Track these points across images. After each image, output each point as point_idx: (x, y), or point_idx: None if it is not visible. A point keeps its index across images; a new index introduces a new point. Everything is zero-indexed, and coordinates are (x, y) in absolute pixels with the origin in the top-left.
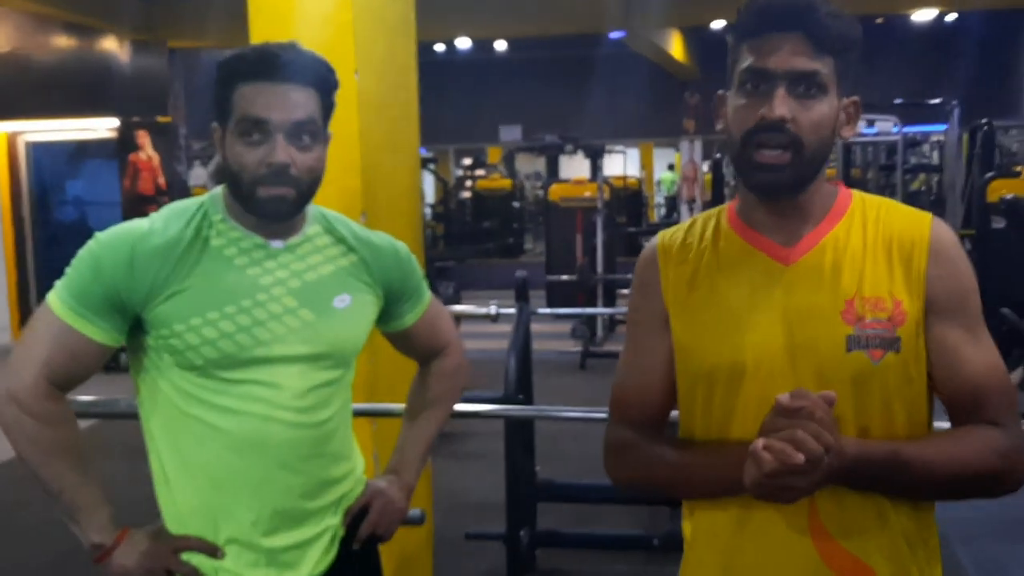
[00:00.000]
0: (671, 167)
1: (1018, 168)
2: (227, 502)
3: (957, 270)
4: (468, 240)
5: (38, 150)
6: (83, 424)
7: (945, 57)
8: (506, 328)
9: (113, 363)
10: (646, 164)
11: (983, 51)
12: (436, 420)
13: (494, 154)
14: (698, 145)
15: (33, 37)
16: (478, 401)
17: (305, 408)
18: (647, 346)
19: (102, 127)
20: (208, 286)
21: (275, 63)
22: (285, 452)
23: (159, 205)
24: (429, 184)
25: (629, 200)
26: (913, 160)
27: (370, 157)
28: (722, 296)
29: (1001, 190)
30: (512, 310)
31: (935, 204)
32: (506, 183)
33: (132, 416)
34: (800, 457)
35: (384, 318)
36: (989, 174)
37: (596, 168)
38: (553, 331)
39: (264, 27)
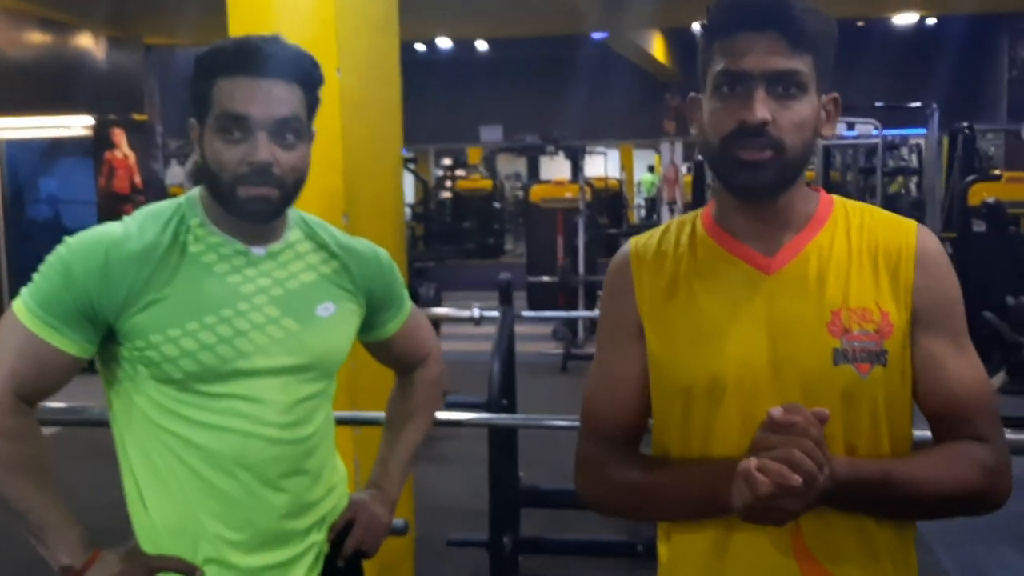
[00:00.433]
0: (651, 168)
1: (997, 171)
2: (205, 521)
3: (944, 280)
4: (448, 240)
5: (11, 148)
6: (48, 430)
7: (924, 61)
8: (488, 330)
9: (87, 365)
10: (626, 165)
11: (962, 55)
12: (418, 430)
13: (474, 154)
14: (679, 147)
15: (5, 33)
16: (461, 406)
17: (289, 424)
18: (619, 357)
19: (77, 125)
20: (187, 295)
21: (257, 56)
22: (267, 469)
23: (135, 204)
24: (409, 184)
25: (610, 201)
26: (891, 163)
27: (352, 157)
28: (700, 306)
29: (982, 193)
30: (495, 312)
31: (914, 207)
32: (486, 183)
33: (102, 424)
34: (797, 479)
35: (365, 328)
36: (970, 177)
37: (576, 169)
38: (534, 332)
39: (243, 23)
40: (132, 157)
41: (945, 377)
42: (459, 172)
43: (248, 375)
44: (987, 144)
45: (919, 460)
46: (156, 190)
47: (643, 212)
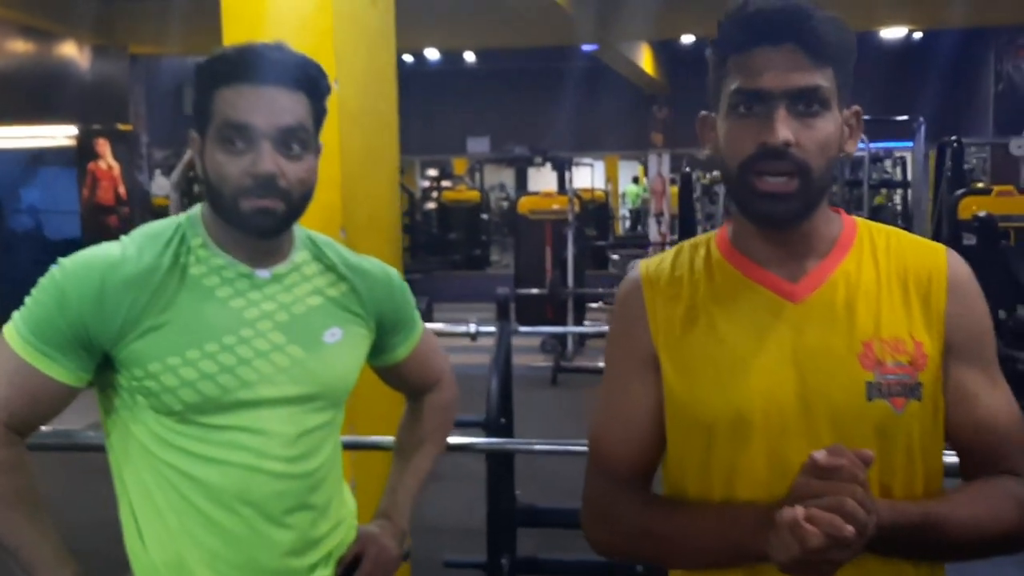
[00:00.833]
0: (635, 180)
1: (980, 184)
2: (207, 558)
3: (976, 308)
4: (434, 252)
5: None
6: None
7: (911, 74)
8: (481, 342)
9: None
10: (611, 177)
11: (948, 69)
12: (428, 458)
13: (459, 165)
14: (666, 158)
15: None
16: (459, 425)
17: (294, 457)
18: (631, 390)
19: (60, 134)
20: (187, 321)
21: (260, 63)
22: (271, 505)
23: (119, 215)
24: None
25: (596, 213)
26: (875, 176)
27: (350, 170)
28: (721, 336)
29: (972, 207)
30: (490, 328)
31: (897, 219)
32: (473, 195)
33: (93, 449)
34: (851, 530)
35: (374, 351)
36: (960, 191)
37: (563, 181)
38: (522, 344)
39: (237, 33)
40: (116, 168)
41: (978, 410)
42: (445, 183)
43: (251, 406)
44: (968, 157)
45: (956, 499)
46: (140, 201)
47: (627, 224)
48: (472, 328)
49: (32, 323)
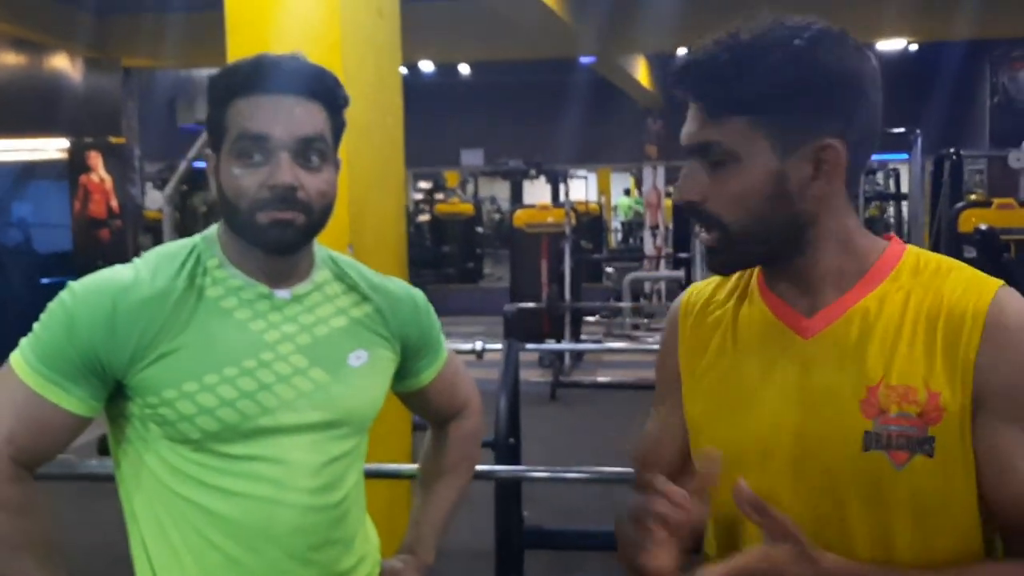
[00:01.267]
0: (627, 192)
1: (973, 196)
2: None
3: (1016, 357)
4: (427, 265)
5: None
6: None
7: (907, 87)
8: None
9: None
10: (604, 189)
11: (944, 82)
12: (454, 489)
13: (451, 178)
14: (661, 171)
15: None
16: None
17: (318, 488)
18: (660, 414)
19: (52, 147)
20: (204, 345)
21: (276, 73)
22: (295, 541)
23: (111, 229)
24: None
25: (591, 226)
26: (867, 188)
27: (357, 185)
28: (733, 367)
29: (972, 220)
30: (496, 345)
31: (888, 231)
32: (467, 208)
33: (99, 479)
34: None
35: (398, 376)
36: (960, 204)
37: (556, 194)
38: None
39: (242, 45)
40: (109, 181)
41: (1016, 481)
42: (438, 196)
43: (272, 433)
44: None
45: (953, 572)
46: (133, 215)
47: (620, 236)
48: (479, 346)
49: (40, 350)
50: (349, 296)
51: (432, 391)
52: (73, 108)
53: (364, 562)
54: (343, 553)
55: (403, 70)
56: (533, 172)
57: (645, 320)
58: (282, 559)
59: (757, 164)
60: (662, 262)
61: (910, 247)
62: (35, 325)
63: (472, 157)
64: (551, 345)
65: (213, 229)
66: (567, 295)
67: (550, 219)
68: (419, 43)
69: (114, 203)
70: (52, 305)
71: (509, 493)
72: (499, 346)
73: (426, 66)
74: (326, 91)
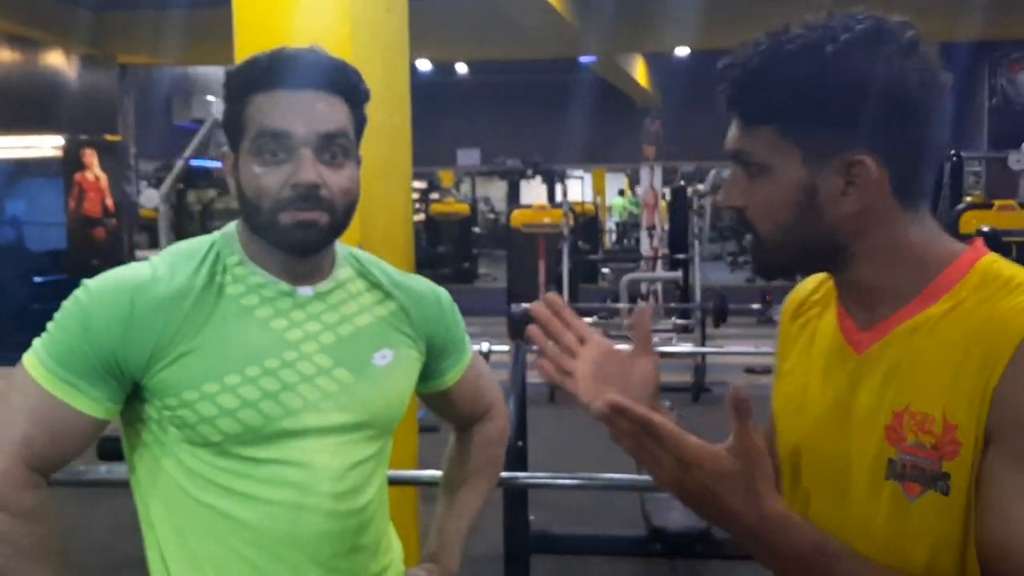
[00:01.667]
0: (621, 192)
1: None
2: None
3: None
4: (423, 265)
5: None
6: None
7: None
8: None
9: None
10: (598, 189)
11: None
12: (479, 495)
13: (446, 178)
14: (658, 171)
15: None
16: None
17: (343, 493)
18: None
19: (46, 145)
20: (225, 344)
21: (295, 67)
22: (319, 548)
23: (106, 227)
24: None
25: (586, 226)
26: None
27: (367, 184)
28: (804, 374)
29: (973, 222)
30: (502, 347)
31: None
32: (462, 207)
33: (110, 485)
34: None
35: (423, 376)
36: (961, 205)
37: (552, 194)
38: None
39: (251, 43)
40: (104, 179)
41: (996, 519)
42: (433, 195)
43: (296, 436)
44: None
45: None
46: (128, 213)
47: (614, 236)
48: (485, 347)
49: (55, 351)
50: (372, 293)
51: (456, 392)
52: (68, 105)
53: (389, 570)
54: (369, 560)
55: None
56: (531, 172)
57: None
58: (306, 566)
59: (786, 175)
60: (659, 263)
61: (988, 256)
62: (49, 324)
63: (468, 157)
64: None
65: (232, 226)
66: (566, 296)
67: (548, 219)
68: (418, 41)
69: (109, 201)
70: (67, 303)
71: (517, 498)
72: (506, 348)
73: (423, 65)
74: (348, 85)
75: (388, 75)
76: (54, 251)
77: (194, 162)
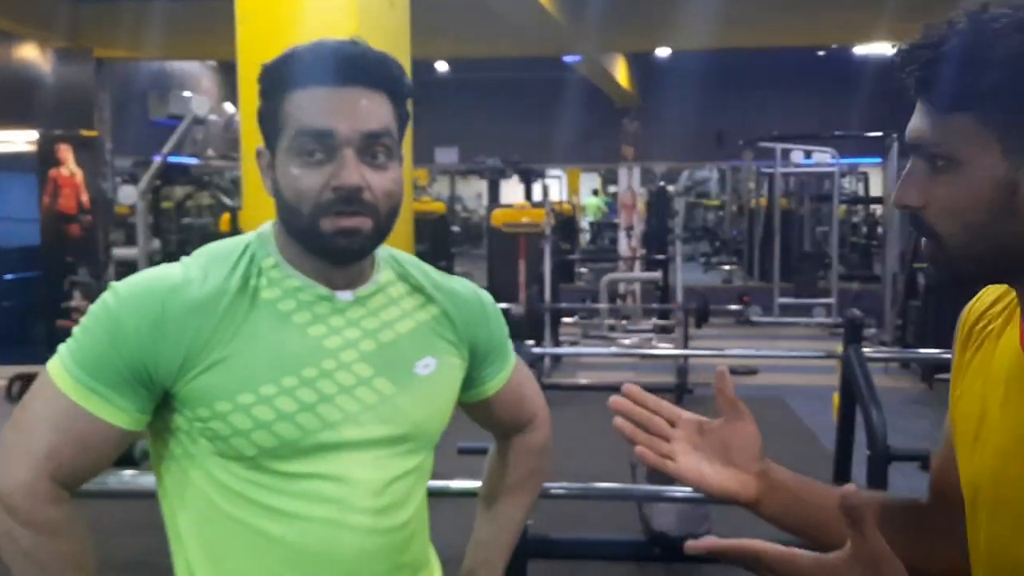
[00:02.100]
0: (595, 192)
1: None
2: None
3: None
4: None
5: None
6: None
7: (882, 91)
8: None
9: None
10: (573, 189)
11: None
12: (522, 508)
13: (422, 176)
14: (636, 172)
15: None
16: (467, 452)
17: (383, 508)
18: (946, 428)
19: (20, 140)
20: (260, 352)
21: (337, 61)
22: (359, 567)
23: (81, 224)
24: None
25: (564, 225)
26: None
27: None
28: (981, 396)
29: None
30: None
31: (854, 232)
32: (439, 206)
33: (135, 496)
34: None
35: (464, 385)
36: None
37: (529, 193)
38: None
39: (254, 37)
40: (79, 175)
41: None
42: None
43: (334, 449)
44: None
45: None
46: (104, 210)
47: (588, 236)
48: None
49: (83, 358)
50: (414, 298)
51: (498, 401)
52: (43, 99)
53: None
54: None
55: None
56: (510, 171)
57: (623, 321)
58: None
59: (982, 170)
60: (637, 263)
61: None
62: (75, 330)
63: (446, 155)
64: (568, 349)
65: (268, 226)
66: (547, 295)
67: (528, 219)
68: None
69: (84, 197)
70: (94, 308)
71: None
72: None
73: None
74: (392, 80)
75: None
76: (28, 248)
77: (173, 159)
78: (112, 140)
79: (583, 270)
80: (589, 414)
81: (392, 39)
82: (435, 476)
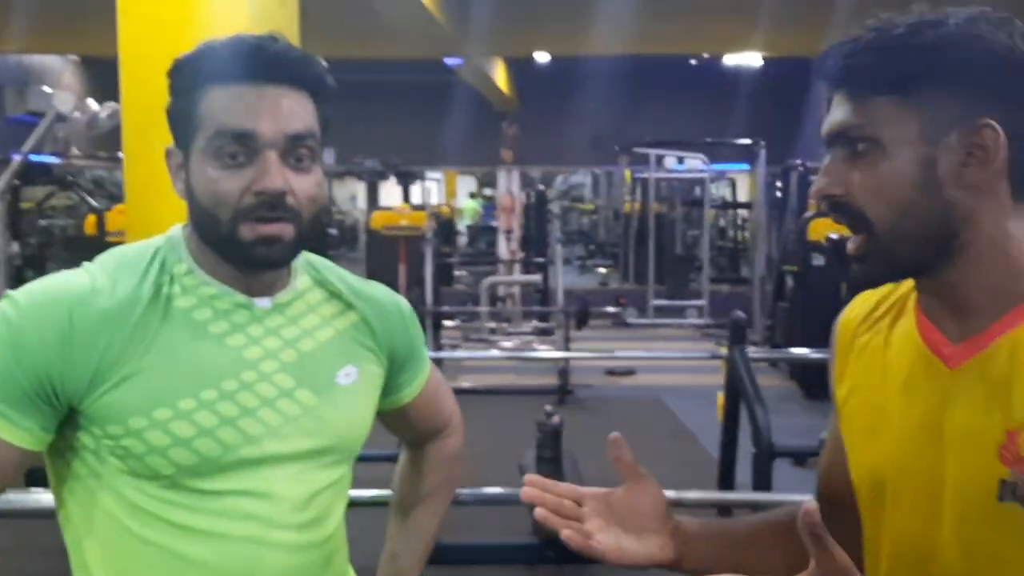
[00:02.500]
0: (472, 195)
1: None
2: None
3: None
4: None
5: None
6: None
7: (749, 100)
8: None
9: None
10: (451, 192)
11: (784, 95)
12: (437, 516)
13: None
14: (515, 175)
15: None
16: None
17: (306, 524)
18: (832, 427)
19: None
20: (177, 364)
21: (260, 58)
22: None
23: None
24: None
25: (442, 228)
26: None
27: None
28: (877, 392)
29: (821, 228)
30: None
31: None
32: None
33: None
34: None
35: (382, 392)
36: (809, 213)
37: (407, 195)
38: None
39: (136, 32)
40: None
41: None
42: None
43: (256, 464)
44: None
45: None
46: None
47: (466, 239)
48: None
49: None
50: (332, 304)
51: (414, 408)
52: None
53: None
54: None
55: None
56: (389, 173)
57: (504, 324)
58: None
59: (903, 149)
60: (516, 266)
61: None
62: None
63: (323, 157)
64: (450, 353)
65: (177, 230)
66: (428, 299)
67: (408, 222)
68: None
69: None
70: None
71: None
72: None
73: None
74: (315, 79)
75: None
76: None
77: (34, 157)
78: None
79: (462, 273)
80: (472, 418)
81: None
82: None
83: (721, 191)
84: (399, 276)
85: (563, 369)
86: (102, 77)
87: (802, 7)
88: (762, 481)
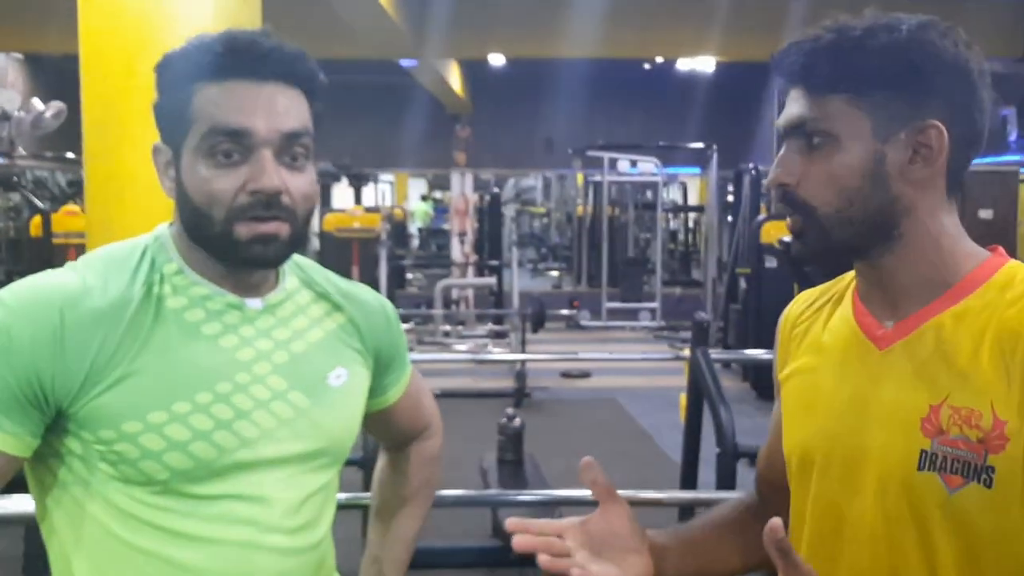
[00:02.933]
0: (424, 198)
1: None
2: None
3: None
4: None
5: None
6: None
7: (703, 104)
8: None
9: None
10: (401, 194)
11: (736, 100)
12: (418, 519)
13: None
14: (469, 178)
15: None
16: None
17: (298, 528)
18: (774, 416)
19: None
20: (171, 366)
21: (254, 54)
22: None
23: None
24: None
25: (395, 231)
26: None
27: None
28: (813, 372)
29: (771, 231)
30: None
31: (688, 242)
32: None
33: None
34: None
35: (368, 394)
36: (762, 216)
37: (359, 197)
38: None
39: (97, 28)
40: None
41: None
42: None
43: (250, 468)
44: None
45: None
46: None
47: (417, 242)
48: None
49: None
50: (320, 306)
51: (397, 410)
52: None
53: None
54: None
55: None
56: (341, 175)
57: (458, 327)
58: None
59: (855, 143)
60: (470, 269)
61: (1013, 262)
62: None
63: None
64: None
65: (164, 229)
66: None
67: (361, 224)
68: None
69: None
70: None
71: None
72: None
73: None
74: (309, 76)
75: None
76: None
77: None
78: None
79: (415, 276)
80: None
81: None
82: None
83: (673, 195)
84: (352, 278)
85: (520, 372)
86: (46, 75)
87: (756, 13)
88: (726, 481)
